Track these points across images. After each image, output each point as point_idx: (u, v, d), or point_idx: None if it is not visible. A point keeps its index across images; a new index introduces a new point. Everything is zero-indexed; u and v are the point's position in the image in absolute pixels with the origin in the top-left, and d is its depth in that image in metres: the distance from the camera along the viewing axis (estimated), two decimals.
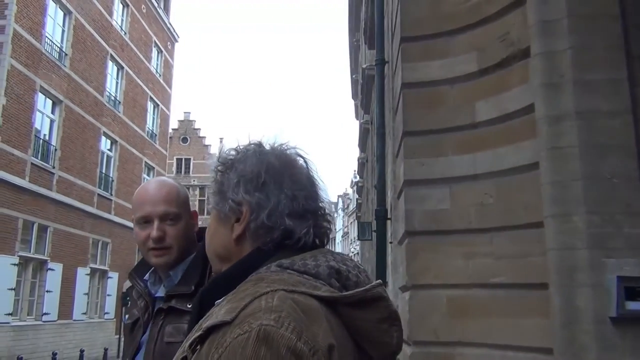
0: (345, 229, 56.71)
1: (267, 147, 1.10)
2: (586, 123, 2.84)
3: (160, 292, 1.83)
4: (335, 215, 63.58)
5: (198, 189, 44.65)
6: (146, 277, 1.90)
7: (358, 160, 21.74)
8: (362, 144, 18.61)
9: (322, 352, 0.83)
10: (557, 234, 2.85)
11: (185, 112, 47.26)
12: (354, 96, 32.83)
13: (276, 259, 1.01)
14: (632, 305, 2.59)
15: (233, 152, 1.11)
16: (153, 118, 29.13)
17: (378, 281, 0.99)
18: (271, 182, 1.05)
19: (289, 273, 0.96)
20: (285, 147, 1.11)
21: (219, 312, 0.90)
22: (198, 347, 0.87)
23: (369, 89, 14.00)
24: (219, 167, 1.11)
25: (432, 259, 3.61)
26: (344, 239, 57.65)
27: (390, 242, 7.45)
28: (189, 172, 44.71)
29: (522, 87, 3.39)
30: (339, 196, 63.64)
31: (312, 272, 0.95)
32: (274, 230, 1.03)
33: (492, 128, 3.58)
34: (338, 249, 60.92)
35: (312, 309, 0.87)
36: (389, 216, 7.86)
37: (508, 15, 3.55)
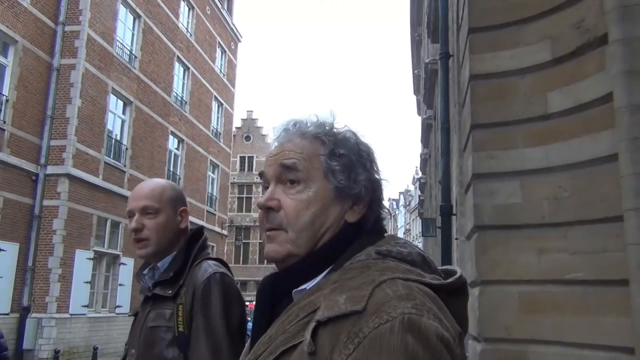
0: (407, 226, 56.18)
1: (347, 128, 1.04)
2: None
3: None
4: (397, 212, 63.07)
5: (261, 187, 45.35)
6: (145, 271, 2.04)
7: (420, 156, 21.47)
8: (425, 140, 18.37)
9: (458, 338, 0.81)
10: (638, 228, 2.72)
11: (248, 111, 48.17)
12: (416, 92, 32.48)
13: (362, 244, 0.96)
14: None
15: (326, 124, 1.03)
16: (217, 117, 29.82)
17: (456, 268, 0.98)
18: (373, 167, 1.02)
19: (391, 260, 0.91)
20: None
21: (330, 302, 0.83)
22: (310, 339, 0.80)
23: (431, 83, 13.80)
24: (336, 139, 1.01)
25: (502, 254, 3.52)
26: (406, 236, 57.16)
27: (456, 239, 7.32)
28: (252, 169, 45.52)
29: (599, 75, 3.25)
30: (400, 193, 63.09)
31: (408, 260, 0.92)
32: (374, 214, 1.01)
33: (566, 119, 3.45)
34: None
35: (434, 296, 0.84)
36: (454, 212, 7.74)
37: (583, 1, 3.42)
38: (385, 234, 1.02)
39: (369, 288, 0.82)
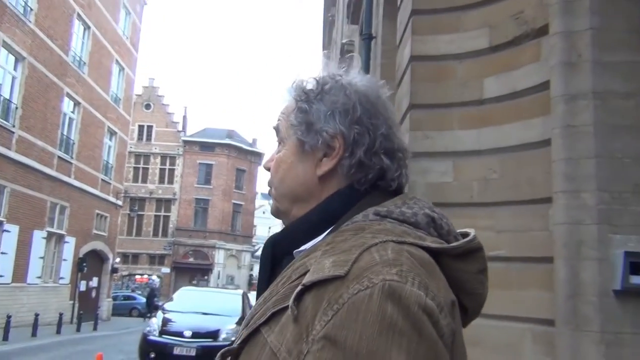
0: None
1: (355, 78, 0.99)
2: (602, 103, 2.92)
3: None
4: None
5: (159, 157, 43.87)
6: None
7: None
8: None
9: (447, 308, 0.77)
10: (566, 209, 2.94)
11: (150, 78, 46.18)
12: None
13: (365, 204, 0.92)
14: (636, 280, 2.70)
15: (312, 82, 0.99)
16: (118, 82, 28.34)
17: (472, 231, 0.92)
18: (368, 115, 0.95)
19: (389, 222, 0.86)
20: (371, 80, 1.01)
21: (319, 265, 0.81)
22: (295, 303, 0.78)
23: (346, 64, 13.96)
24: (301, 96, 0.99)
25: None
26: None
27: None
28: (150, 139, 43.83)
29: (534, 65, 3.45)
30: None
31: (411, 221, 0.87)
32: (370, 169, 0.94)
33: (500, 105, 3.64)
34: None
35: (428, 261, 0.80)
36: None
37: None
38: (404, 194, 0.97)
39: (357, 252, 0.78)
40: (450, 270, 0.83)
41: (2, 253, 18.57)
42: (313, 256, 0.84)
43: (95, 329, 21.57)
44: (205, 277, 41.94)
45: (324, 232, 0.92)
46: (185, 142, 44.48)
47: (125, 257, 39.42)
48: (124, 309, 31.51)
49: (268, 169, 1.04)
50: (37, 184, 20.55)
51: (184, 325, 10.39)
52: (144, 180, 43.20)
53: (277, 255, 0.97)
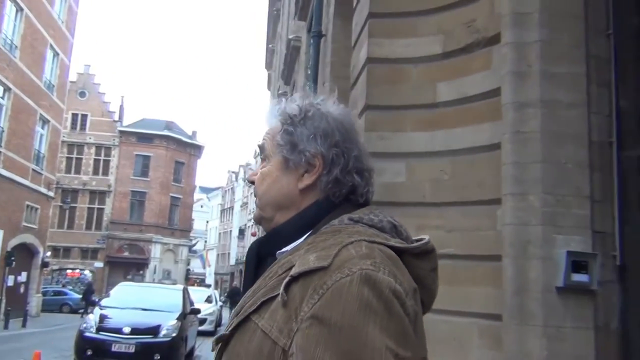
0: (245, 199, 56.40)
1: (331, 108, 1.16)
2: (548, 111, 3.11)
3: None
4: (236, 184, 63.06)
5: (94, 147, 42.39)
6: None
7: None
8: None
9: (411, 293, 0.94)
10: (514, 210, 3.11)
11: (85, 65, 44.43)
12: (268, 66, 32.58)
13: (339, 212, 1.09)
14: (577, 277, 2.91)
15: (296, 108, 1.15)
16: (52, 68, 27.17)
17: (427, 236, 1.09)
18: (343, 139, 1.12)
19: (361, 226, 1.03)
20: (345, 110, 1.19)
21: (303, 260, 0.95)
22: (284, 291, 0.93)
23: (292, 60, 13.98)
24: (287, 120, 1.14)
25: None
26: (243, 209, 57.31)
27: None
28: (84, 128, 42.24)
29: (485, 73, 3.62)
30: (240, 166, 63.14)
31: (378, 226, 1.04)
32: (344, 185, 1.10)
33: (452, 109, 3.79)
34: (236, 218, 60.53)
35: (394, 257, 0.96)
36: None
37: (475, 3, 3.76)
38: (369, 206, 1.14)
39: (337, 248, 0.94)
40: (411, 267, 1.00)
41: None
42: (297, 254, 0.99)
43: (24, 325, 20.67)
44: (141, 272, 40.91)
45: (303, 235, 1.08)
46: (121, 132, 43.16)
47: (56, 251, 37.89)
48: (54, 304, 30.27)
49: (252, 182, 1.19)
50: None
51: (123, 322, 10.16)
52: (77, 171, 41.63)
53: (261, 255, 1.13)
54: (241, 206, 59.01)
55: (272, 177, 1.14)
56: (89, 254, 40.83)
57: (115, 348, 9.73)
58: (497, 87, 3.41)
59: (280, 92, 17.24)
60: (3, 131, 22.61)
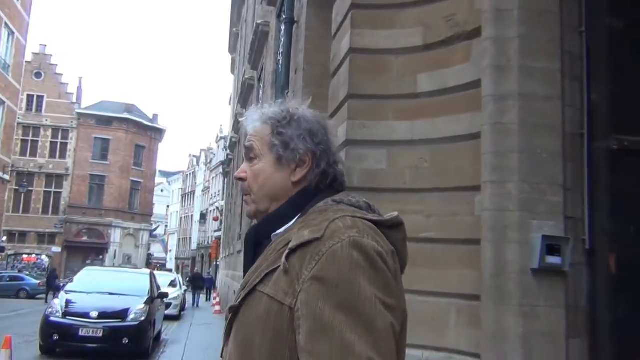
0: (207, 184, 55.88)
1: (306, 111, 1.35)
2: (525, 104, 3.29)
3: None
4: (197, 169, 62.37)
5: (50, 130, 41.24)
6: None
7: (236, 115, 21.54)
8: (244, 100, 18.49)
9: (390, 253, 1.13)
10: (493, 197, 3.30)
11: (41, 45, 43.04)
12: (232, 50, 32.20)
13: (322, 198, 1.27)
14: (550, 259, 3.12)
15: (282, 112, 1.32)
16: (7, 47, 26.29)
17: (396, 213, 1.29)
18: (325, 137, 1.32)
19: (343, 205, 1.22)
20: (318, 113, 1.38)
21: (299, 235, 1.13)
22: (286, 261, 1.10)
23: (260, 45, 13.94)
24: (279, 122, 1.31)
25: None
26: (204, 194, 56.75)
27: None
28: (41, 110, 41.00)
29: (464, 65, 3.78)
30: (202, 150, 62.50)
31: (356, 205, 1.23)
32: (328, 175, 1.30)
33: (432, 100, 3.94)
34: (198, 203, 59.98)
35: (373, 227, 1.15)
36: None
37: None
38: (344, 191, 1.34)
39: (326, 223, 1.12)
40: (386, 237, 1.18)
41: None
42: (292, 232, 1.17)
43: None
44: (101, 257, 40.27)
45: (294, 218, 1.26)
46: (79, 114, 42.10)
47: (11, 236, 36.90)
48: (10, 290, 29.48)
49: (240, 179, 1.34)
50: None
51: (90, 306, 10.05)
52: (33, 154, 40.48)
53: (258, 239, 1.30)
54: (202, 191, 58.48)
55: (267, 173, 1.29)
56: (46, 238, 39.89)
57: (82, 333, 9.65)
58: (476, 79, 3.57)
59: (246, 77, 17.15)
60: None
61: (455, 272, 3.64)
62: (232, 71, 32.77)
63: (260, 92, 14.42)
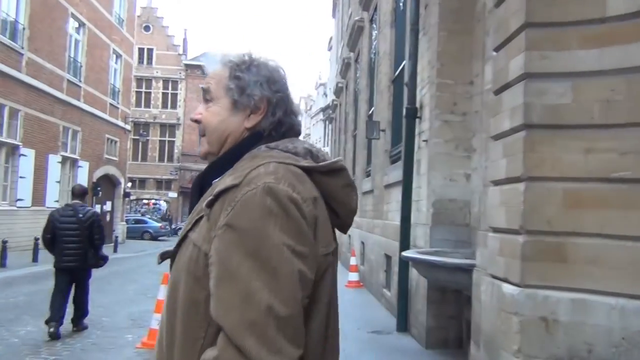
0: (307, 131, 56.57)
1: (268, 59, 1.34)
2: None
3: None
4: (300, 117, 63.14)
5: (161, 81, 43.12)
6: None
7: (343, 60, 21.25)
8: (353, 43, 18.11)
9: (310, 200, 1.12)
10: None
11: None
12: None
13: (261, 144, 1.27)
14: None
15: (242, 57, 1.32)
16: (120, 2, 27.41)
17: (339, 157, 1.29)
18: (281, 85, 1.31)
19: (277, 152, 1.22)
20: (276, 62, 1.36)
21: (222, 182, 1.15)
22: (209, 209, 1.12)
23: None
24: (237, 66, 1.30)
25: (549, 152, 3.65)
26: (306, 140, 57.46)
27: (425, 141, 7.50)
28: (151, 62, 42.87)
29: None
30: (302, 98, 62.96)
31: (292, 151, 1.23)
32: (284, 124, 1.31)
33: (624, 24, 3.51)
34: None
35: (299, 173, 1.15)
36: (418, 115, 7.86)
37: None
38: (294, 137, 1.34)
39: (249, 169, 1.13)
40: (322, 184, 1.20)
41: (20, 177, 18.62)
42: (223, 180, 1.18)
43: (115, 251, 22.00)
44: None
45: (233, 165, 1.25)
46: (186, 65, 43.59)
47: (132, 182, 39.63)
48: (135, 232, 32.00)
49: (195, 121, 1.34)
50: (49, 107, 20.33)
51: None
52: (147, 105, 42.72)
53: (203, 185, 1.30)
54: (304, 137, 59.23)
55: (221, 116, 1.29)
56: (163, 184, 42.49)
57: None
58: None
59: (356, 18, 16.70)
60: (81, 66, 23.26)
61: None
62: (334, 15, 32.24)
63: (374, 34, 14.01)
